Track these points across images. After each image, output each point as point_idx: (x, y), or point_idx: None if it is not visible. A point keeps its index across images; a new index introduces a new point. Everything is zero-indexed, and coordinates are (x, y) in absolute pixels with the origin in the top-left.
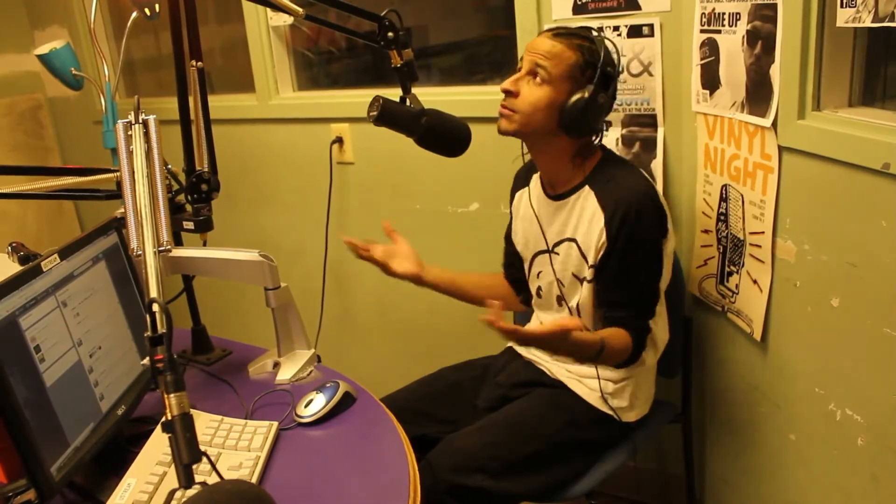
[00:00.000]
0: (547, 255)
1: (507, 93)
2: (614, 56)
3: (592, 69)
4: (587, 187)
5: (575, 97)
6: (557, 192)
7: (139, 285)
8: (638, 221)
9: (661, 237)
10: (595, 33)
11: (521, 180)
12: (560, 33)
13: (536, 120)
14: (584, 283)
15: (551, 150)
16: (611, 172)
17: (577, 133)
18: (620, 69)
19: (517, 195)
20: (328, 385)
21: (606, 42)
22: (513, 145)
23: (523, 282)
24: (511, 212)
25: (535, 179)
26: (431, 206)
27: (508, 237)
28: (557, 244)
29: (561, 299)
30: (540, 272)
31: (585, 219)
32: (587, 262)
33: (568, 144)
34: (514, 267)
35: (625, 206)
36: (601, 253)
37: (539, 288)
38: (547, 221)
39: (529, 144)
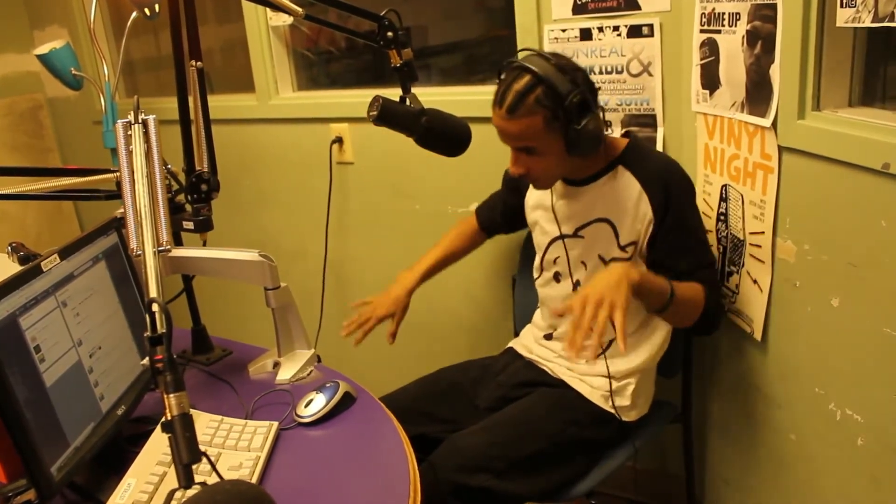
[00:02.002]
0: (563, 241)
1: (521, 175)
2: (567, 72)
3: (561, 106)
4: (620, 167)
5: (571, 135)
6: (581, 178)
7: (139, 285)
8: (685, 188)
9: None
10: (537, 62)
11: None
12: (511, 107)
13: (557, 173)
14: (611, 264)
15: (577, 166)
16: (644, 152)
17: (592, 150)
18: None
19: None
20: (328, 385)
21: (540, 59)
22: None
23: (496, 224)
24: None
25: None
26: (431, 207)
27: (513, 189)
28: (583, 227)
29: (578, 284)
30: (557, 258)
31: (623, 198)
32: (618, 241)
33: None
34: (496, 213)
35: (674, 175)
36: (649, 229)
37: (557, 273)
38: (569, 208)
39: None
